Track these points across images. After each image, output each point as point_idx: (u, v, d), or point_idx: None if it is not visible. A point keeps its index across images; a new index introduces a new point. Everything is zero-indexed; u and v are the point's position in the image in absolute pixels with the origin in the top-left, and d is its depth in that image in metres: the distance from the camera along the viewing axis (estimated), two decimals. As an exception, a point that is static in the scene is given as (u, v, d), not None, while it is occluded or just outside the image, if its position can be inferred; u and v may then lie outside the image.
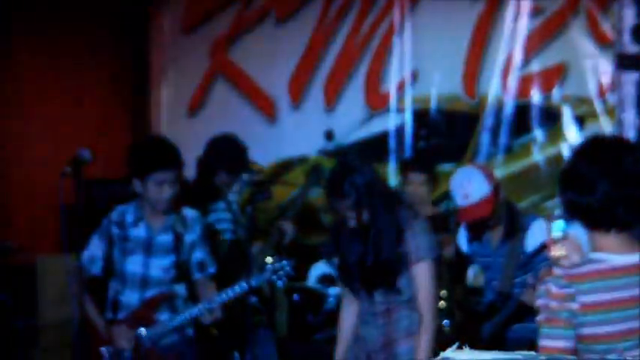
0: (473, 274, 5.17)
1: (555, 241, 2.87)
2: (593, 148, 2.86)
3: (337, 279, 4.60)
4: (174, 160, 4.56)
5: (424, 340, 4.06)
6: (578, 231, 2.86)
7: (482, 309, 4.67)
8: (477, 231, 4.66)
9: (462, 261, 4.97)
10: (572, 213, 2.83)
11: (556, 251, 2.83)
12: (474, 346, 2.43)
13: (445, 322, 5.17)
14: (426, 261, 4.05)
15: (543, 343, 2.71)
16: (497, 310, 4.51)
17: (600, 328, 2.71)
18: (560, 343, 2.69)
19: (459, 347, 2.40)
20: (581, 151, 2.86)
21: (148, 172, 4.49)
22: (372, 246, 4.06)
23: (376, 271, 4.08)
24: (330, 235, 4.38)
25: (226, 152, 5.51)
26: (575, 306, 2.70)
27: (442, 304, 5.33)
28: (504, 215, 4.56)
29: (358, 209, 4.02)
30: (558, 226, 2.92)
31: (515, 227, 4.51)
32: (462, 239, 4.80)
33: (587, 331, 2.71)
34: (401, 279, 4.07)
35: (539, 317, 2.73)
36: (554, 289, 2.71)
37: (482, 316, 4.60)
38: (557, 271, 2.75)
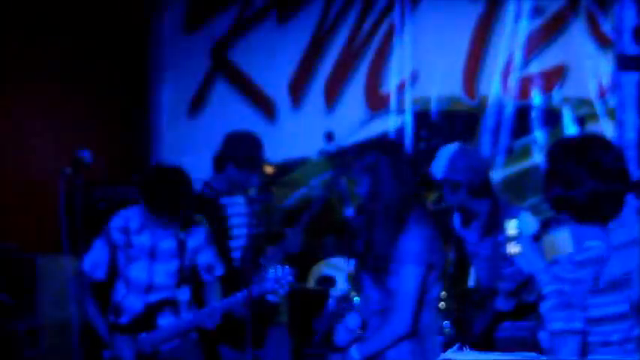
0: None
1: (510, 239, 3.01)
2: (575, 146, 3.01)
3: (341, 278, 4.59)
4: (187, 203, 4.57)
5: (384, 334, 3.96)
6: (563, 233, 2.97)
7: (474, 301, 4.68)
8: (466, 217, 4.70)
9: (463, 262, 4.97)
10: (559, 208, 2.98)
11: (512, 248, 2.99)
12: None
13: (445, 323, 5.17)
14: (409, 266, 3.97)
15: (557, 326, 2.78)
16: (485, 306, 4.52)
17: (607, 309, 2.85)
18: (575, 325, 2.79)
19: (459, 348, 2.42)
20: (564, 150, 3.01)
21: (157, 211, 4.50)
22: (367, 224, 4.05)
23: (369, 258, 4.04)
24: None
25: (235, 147, 5.37)
26: (583, 289, 2.82)
27: (442, 304, 5.32)
28: (487, 208, 4.57)
29: (368, 172, 4.00)
30: (515, 225, 3.05)
31: (498, 220, 4.50)
32: (456, 222, 4.82)
33: (595, 313, 2.84)
34: (391, 280, 4.02)
35: (549, 303, 2.80)
36: (564, 275, 2.79)
37: (475, 311, 4.61)
38: (562, 258, 2.85)
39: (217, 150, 5.42)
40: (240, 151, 5.31)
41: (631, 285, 2.88)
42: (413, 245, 3.96)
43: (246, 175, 5.31)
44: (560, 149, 3.04)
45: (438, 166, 4.67)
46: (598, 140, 3.06)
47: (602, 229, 2.93)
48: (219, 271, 4.78)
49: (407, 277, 3.95)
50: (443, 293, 5.24)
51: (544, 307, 2.84)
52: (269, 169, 5.54)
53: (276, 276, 4.54)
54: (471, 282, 5.20)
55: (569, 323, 2.80)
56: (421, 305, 4.01)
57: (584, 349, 2.81)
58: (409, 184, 4.11)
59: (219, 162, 5.39)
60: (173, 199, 4.51)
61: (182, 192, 4.55)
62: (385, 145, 4.43)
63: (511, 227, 3.08)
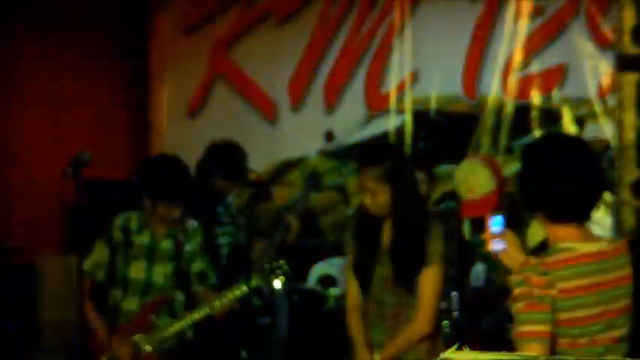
0: (475, 275, 5.17)
1: (494, 236, 2.98)
2: (550, 145, 3.00)
3: (341, 278, 4.58)
4: (188, 188, 4.59)
5: (407, 335, 4.00)
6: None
7: (482, 303, 4.68)
8: (479, 222, 4.66)
9: (464, 262, 4.97)
10: (533, 208, 2.97)
11: (494, 245, 2.97)
12: (475, 344, 2.46)
13: (445, 322, 5.17)
14: (434, 266, 4.00)
15: (525, 328, 2.78)
16: (496, 305, 4.51)
17: (577, 313, 2.82)
18: (542, 327, 2.79)
19: (459, 347, 2.42)
20: (539, 149, 3.00)
21: (160, 198, 4.52)
22: (396, 231, 4.03)
23: (395, 262, 4.04)
24: (353, 222, 4.31)
25: (224, 158, 5.43)
26: (554, 292, 2.80)
27: (442, 304, 5.31)
28: (506, 209, 4.55)
29: (388, 180, 3.98)
30: (497, 222, 3.01)
31: (516, 222, 4.50)
32: (467, 230, 4.80)
33: (564, 316, 2.81)
34: (415, 281, 4.03)
35: (518, 305, 2.79)
36: (534, 278, 2.78)
37: (482, 311, 4.60)
38: (532, 260, 2.83)
39: (201, 158, 5.46)
40: (227, 162, 5.36)
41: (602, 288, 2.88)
42: (437, 245, 3.99)
43: (230, 185, 5.39)
44: (533, 149, 3.04)
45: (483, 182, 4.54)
46: (571, 139, 3.08)
47: (576, 228, 2.91)
48: (211, 279, 4.79)
49: (431, 276, 3.99)
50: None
51: (514, 308, 2.83)
52: (253, 176, 5.60)
53: (272, 266, 4.56)
54: (477, 283, 5.20)
55: (537, 326, 2.78)
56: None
57: (552, 352, 2.79)
58: (418, 186, 4.16)
59: (203, 171, 5.42)
60: (172, 180, 4.55)
61: (180, 174, 4.59)
62: (395, 149, 4.43)
63: (494, 224, 3.04)
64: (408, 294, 4.03)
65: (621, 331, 2.91)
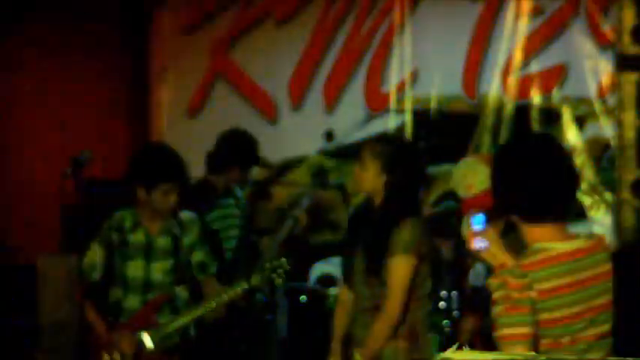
0: (475, 274, 5.17)
1: (476, 234, 2.95)
2: (520, 146, 3.01)
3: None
4: (181, 170, 4.61)
5: (377, 328, 4.00)
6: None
7: (484, 304, 4.67)
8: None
9: (462, 262, 4.96)
10: (506, 209, 2.96)
11: (476, 244, 2.94)
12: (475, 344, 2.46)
13: (445, 322, 5.18)
14: (398, 256, 3.99)
15: (505, 331, 2.78)
16: None
17: (557, 313, 2.81)
18: (524, 329, 2.78)
19: (459, 347, 2.42)
20: (509, 151, 3.02)
21: (155, 183, 4.53)
22: (366, 216, 4.06)
23: (366, 252, 4.05)
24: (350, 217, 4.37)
25: (239, 146, 5.45)
26: (533, 294, 2.79)
27: (442, 304, 5.33)
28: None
29: (383, 163, 4.03)
30: (478, 220, 2.98)
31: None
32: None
33: (544, 316, 2.81)
34: (384, 272, 4.03)
35: (497, 309, 2.79)
36: (511, 280, 2.78)
37: (484, 311, 4.59)
38: (509, 263, 2.83)
39: (213, 151, 5.46)
40: (242, 149, 5.39)
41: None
42: (403, 235, 3.98)
43: (244, 174, 5.42)
44: (503, 151, 3.05)
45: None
46: (541, 138, 3.06)
47: (552, 228, 2.90)
48: (212, 269, 4.80)
49: (397, 265, 3.98)
50: (443, 293, 5.26)
51: (494, 312, 2.82)
52: (264, 161, 5.65)
53: (273, 265, 4.57)
54: (477, 283, 5.19)
55: (517, 329, 2.78)
56: (414, 298, 4.03)
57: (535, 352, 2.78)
58: (412, 180, 4.16)
59: (218, 162, 5.42)
60: (163, 160, 4.58)
61: (170, 153, 4.64)
62: (401, 139, 4.46)
63: (476, 222, 3.02)
64: (381, 286, 4.02)
65: (603, 328, 2.90)
